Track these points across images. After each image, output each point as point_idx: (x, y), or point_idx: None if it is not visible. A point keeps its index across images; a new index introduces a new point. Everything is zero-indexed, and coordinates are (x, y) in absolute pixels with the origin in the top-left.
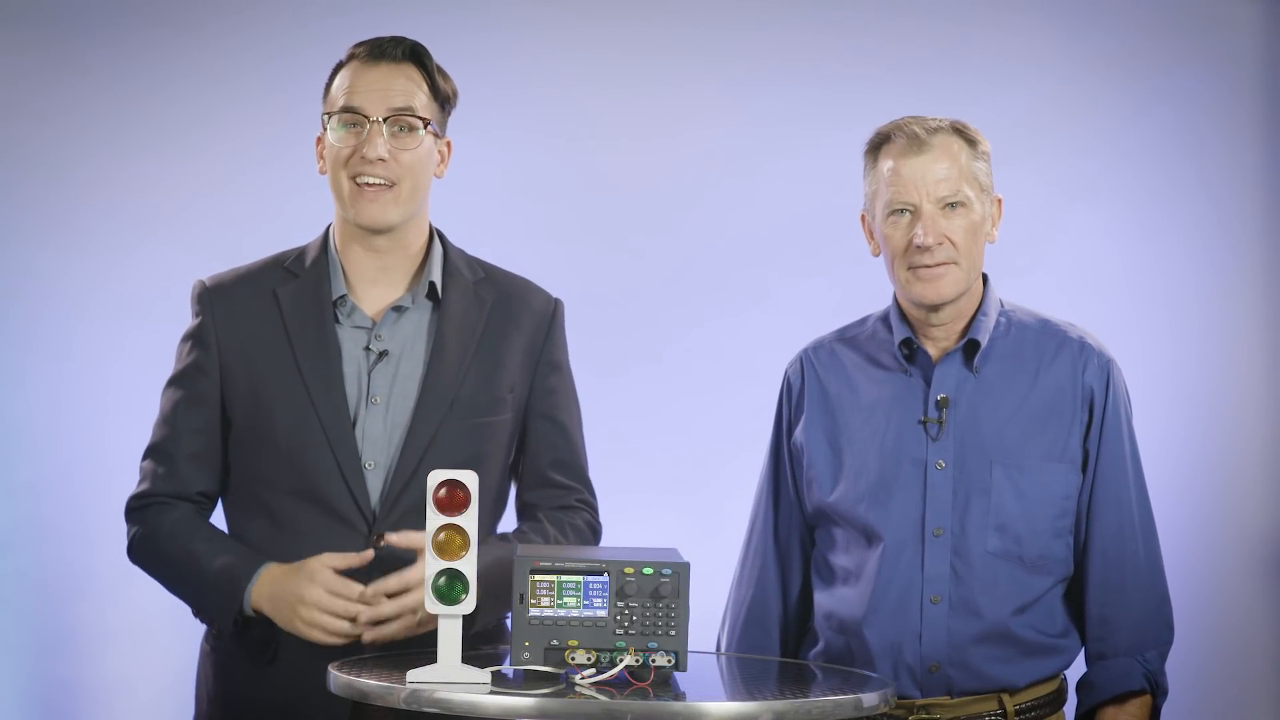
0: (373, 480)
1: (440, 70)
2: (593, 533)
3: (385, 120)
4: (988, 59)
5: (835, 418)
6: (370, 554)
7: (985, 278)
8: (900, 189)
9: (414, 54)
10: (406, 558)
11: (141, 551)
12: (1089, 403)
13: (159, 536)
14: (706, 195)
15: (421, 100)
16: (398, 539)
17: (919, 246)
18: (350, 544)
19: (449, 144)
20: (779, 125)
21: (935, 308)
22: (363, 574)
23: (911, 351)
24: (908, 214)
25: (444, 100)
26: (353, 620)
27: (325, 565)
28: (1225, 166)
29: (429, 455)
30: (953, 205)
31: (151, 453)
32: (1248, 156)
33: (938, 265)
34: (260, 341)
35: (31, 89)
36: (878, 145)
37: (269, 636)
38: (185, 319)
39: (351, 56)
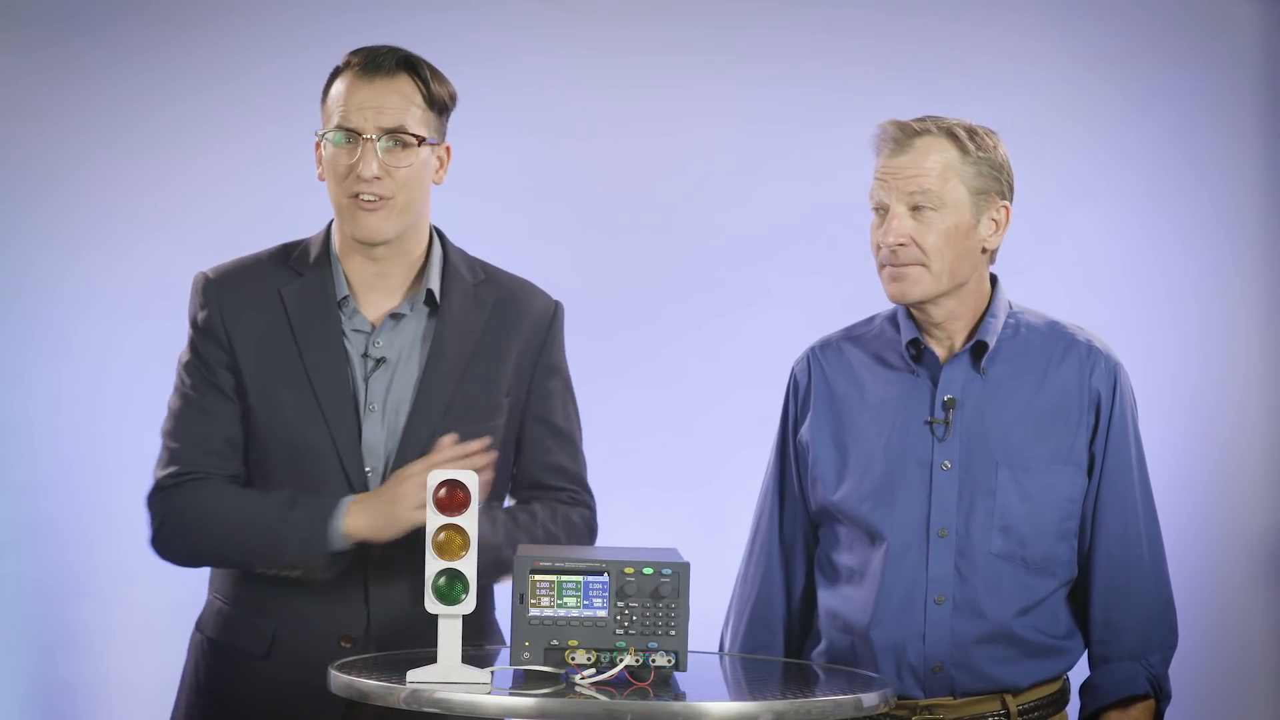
0: (372, 485)
1: (436, 75)
2: (588, 530)
3: (379, 139)
4: (988, 59)
5: (841, 416)
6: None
7: (995, 279)
8: (876, 188)
9: (407, 64)
10: None
11: (185, 526)
12: (1095, 406)
13: (205, 505)
14: (706, 194)
15: (416, 115)
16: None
17: (882, 245)
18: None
19: (448, 149)
20: (779, 125)
21: (918, 307)
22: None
23: (919, 352)
24: (882, 213)
25: (440, 107)
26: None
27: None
28: (1225, 166)
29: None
30: (920, 208)
31: (173, 435)
32: (1248, 156)
33: (901, 265)
34: (267, 337)
35: (31, 89)
36: (872, 144)
37: (265, 628)
38: (185, 319)
39: (347, 65)
